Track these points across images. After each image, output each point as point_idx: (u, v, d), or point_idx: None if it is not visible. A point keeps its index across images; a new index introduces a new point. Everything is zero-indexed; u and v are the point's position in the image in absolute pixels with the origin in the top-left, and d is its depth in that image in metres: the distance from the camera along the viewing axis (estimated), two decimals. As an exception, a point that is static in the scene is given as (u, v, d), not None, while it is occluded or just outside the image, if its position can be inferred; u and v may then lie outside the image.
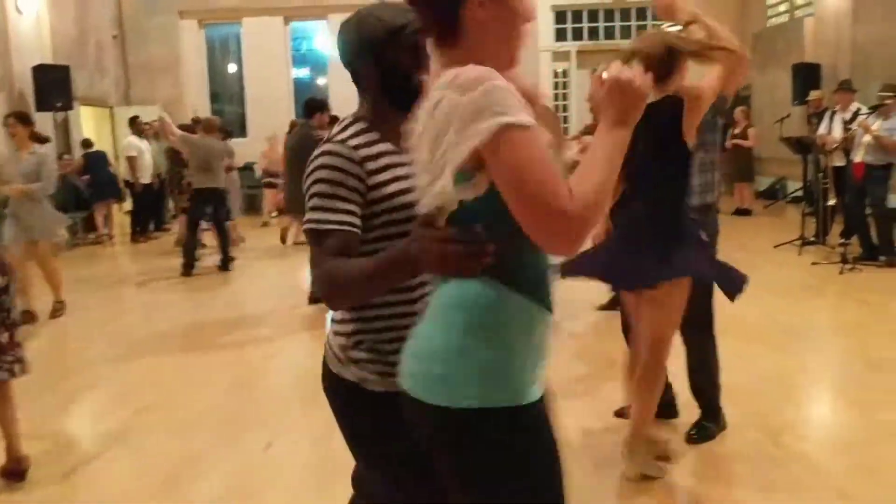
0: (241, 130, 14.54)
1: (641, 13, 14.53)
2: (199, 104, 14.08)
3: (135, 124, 11.18)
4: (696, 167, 3.20)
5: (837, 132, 8.00)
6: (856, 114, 7.79)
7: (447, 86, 1.29)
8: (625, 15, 14.54)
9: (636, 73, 1.35)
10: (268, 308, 6.74)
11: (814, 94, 9.62)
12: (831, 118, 8.29)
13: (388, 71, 1.68)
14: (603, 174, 1.29)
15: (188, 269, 8.26)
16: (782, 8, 13.34)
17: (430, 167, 1.33)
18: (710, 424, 3.59)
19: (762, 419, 3.80)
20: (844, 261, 7.20)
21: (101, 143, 12.29)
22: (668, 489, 3.15)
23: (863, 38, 10.29)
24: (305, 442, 3.75)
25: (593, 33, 14.51)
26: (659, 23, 3.22)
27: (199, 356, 5.38)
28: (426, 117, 1.34)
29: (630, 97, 1.34)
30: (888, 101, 7.33)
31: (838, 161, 8.13)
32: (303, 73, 15.46)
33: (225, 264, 8.45)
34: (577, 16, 14.45)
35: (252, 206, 13.41)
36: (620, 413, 3.75)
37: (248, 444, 3.78)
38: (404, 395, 1.46)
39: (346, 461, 1.93)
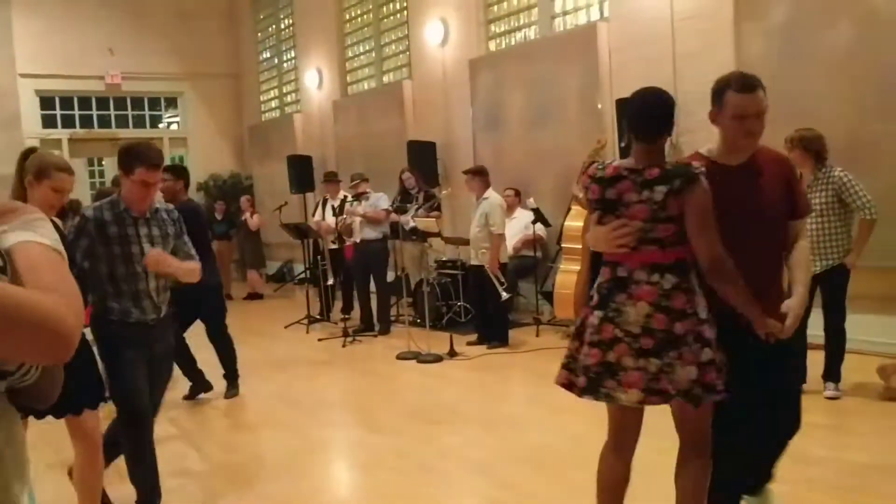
0: None
1: (138, 103, 14.26)
2: None
3: None
4: None
5: (330, 218, 8.76)
6: (343, 200, 8.62)
7: None
8: (120, 104, 14.08)
9: None
10: None
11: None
12: (324, 206, 9.09)
13: None
14: None
15: None
16: (274, 104, 14.36)
17: None
18: None
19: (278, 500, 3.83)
20: (346, 334, 7.83)
21: None
22: None
23: (343, 133, 11.62)
24: None
25: (86, 121, 13.76)
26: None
27: None
28: None
29: None
30: (359, 185, 8.36)
31: (333, 244, 8.88)
32: None
33: None
34: (66, 102, 13.56)
35: None
36: None
37: None
38: None
39: None
